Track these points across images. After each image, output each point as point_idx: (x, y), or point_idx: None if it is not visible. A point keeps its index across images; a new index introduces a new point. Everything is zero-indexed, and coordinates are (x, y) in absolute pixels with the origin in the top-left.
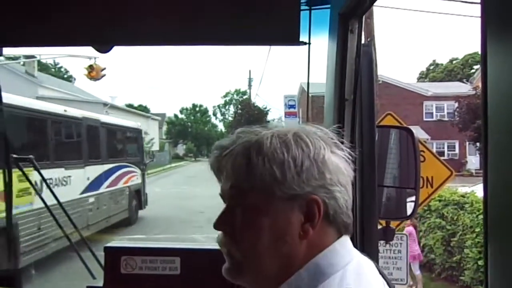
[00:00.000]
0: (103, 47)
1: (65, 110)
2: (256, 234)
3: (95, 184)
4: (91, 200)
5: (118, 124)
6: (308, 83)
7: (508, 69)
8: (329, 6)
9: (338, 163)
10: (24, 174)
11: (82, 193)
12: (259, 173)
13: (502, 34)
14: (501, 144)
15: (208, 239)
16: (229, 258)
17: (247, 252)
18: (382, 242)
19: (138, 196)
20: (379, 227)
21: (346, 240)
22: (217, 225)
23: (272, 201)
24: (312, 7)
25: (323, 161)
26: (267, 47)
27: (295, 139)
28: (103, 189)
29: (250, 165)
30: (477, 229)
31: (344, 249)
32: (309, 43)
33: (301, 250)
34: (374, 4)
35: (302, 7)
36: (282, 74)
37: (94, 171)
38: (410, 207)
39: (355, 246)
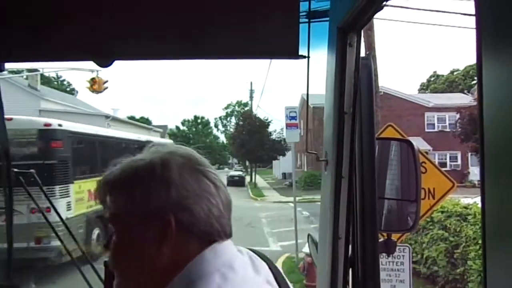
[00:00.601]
0: (104, 62)
1: (139, 137)
2: (122, 257)
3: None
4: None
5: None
6: (307, 95)
7: (503, 81)
8: (328, 19)
9: (187, 177)
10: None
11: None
12: (116, 200)
13: (497, 46)
14: (498, 153)
15: None
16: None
17: (119, 275)
18: (384, 254)
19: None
20: (380, 239)
21: (217, 246)
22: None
23: (128, 224)
24: (311, 20)
25: (169, 178)
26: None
27: (145, 163)
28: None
29: (110, 193)
30: (481, 241)
31: (214, 255)
32: (308, 57)
33: (164, 264)
34: (374, 17)
35: (301, 20)
36: (284, 86)
37: None
38: (412, 220)
39: (355, 258)
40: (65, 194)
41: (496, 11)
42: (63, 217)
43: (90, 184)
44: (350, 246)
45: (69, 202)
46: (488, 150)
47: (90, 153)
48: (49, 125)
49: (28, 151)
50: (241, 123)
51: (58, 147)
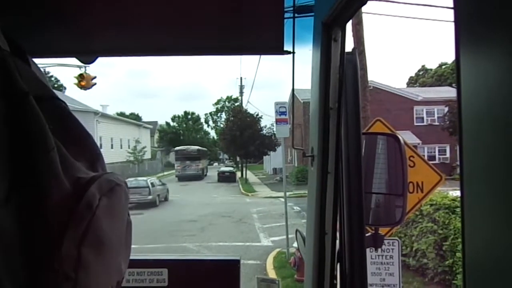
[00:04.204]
0: (87, 59)
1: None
2: None
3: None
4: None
5: (204, 149)
6: (293, 91)
7: (480, 75)
8: (312, 14)
9: None
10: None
11: (205, 168)
12: None
13: (475, 41)
14: (475, 146)
15: (200, 247)
16: None
17: None
18: (373, 248)
19: (206, 169)
20: (368, 234)
21: None
22: None
23: None
24: (296, 16)
25: None
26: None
27: None
28: (203, 165)
29: None
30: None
31: None
32: (293, 52)
33: None
34: (363, 11)
35: (286, 15)
36: (274, 81)
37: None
38: (399, 213)
39: (343, 253)
40: (201, 163)
41: (474, 5)
42: (202, 167)
43: (203, 162)
44: (337, 241)
45: (202, 163)
46: (467, 145)
47: (201, 156)
48: (201, 147)
49: (194, 156)
50: (231, 118)
51: (202, 154)
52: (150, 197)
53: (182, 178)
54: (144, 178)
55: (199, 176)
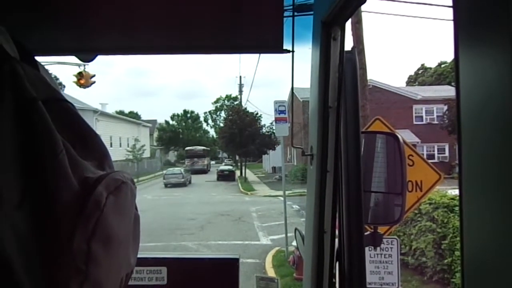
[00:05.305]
0: (87, 57)
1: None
2: None
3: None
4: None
5: (207, 149)
6: (292, 89)
7: (479, 74)
8: (312, 13)
9: None
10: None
11: (208, 164)
12: None
13: (474, 40)
14: (474, 145)
15: (199, 246)
16: None
17: None
18: (372, 247)
19: (209, 165)
20: (367, 232)
21: None
22: None
23: None
24: (296, 14)
25: None
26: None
27: None
28: (207, 161)
29: None
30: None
31: None
32: (293, 51)
33: None
34: (362, 10)
35: (286, 14)
36: (273, 79)
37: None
38: (398, 212)
39: (341, 251)
40: (206, 160)
41: (473, 5)
42: (207, 163)
43: (207, 159)
44: (336, 240)
45: (206, 160)
46: (466, 143)
47: (205, 155)
48: (206, 147)
49: (200, 154)
50: (230, 117)
51: (206, 153)
52: (182, 180)
53: (191, 172)
54: (178, 168)
55: (204, 171)
